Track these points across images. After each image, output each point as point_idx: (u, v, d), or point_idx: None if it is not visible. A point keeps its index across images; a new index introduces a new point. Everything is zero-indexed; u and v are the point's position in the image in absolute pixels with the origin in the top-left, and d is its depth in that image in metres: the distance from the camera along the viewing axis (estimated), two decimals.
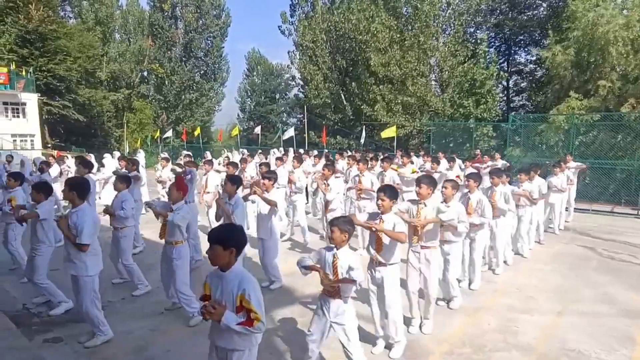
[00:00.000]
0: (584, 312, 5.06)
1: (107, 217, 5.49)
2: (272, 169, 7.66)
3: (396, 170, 8.62)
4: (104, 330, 4.07)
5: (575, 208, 10.50)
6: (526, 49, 28.33)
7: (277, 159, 10.39)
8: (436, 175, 7.74)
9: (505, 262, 6.61)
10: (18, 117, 27.94)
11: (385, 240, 3.72)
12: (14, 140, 27.32)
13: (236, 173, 7.32)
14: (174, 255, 4.49)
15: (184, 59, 40.48)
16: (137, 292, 5.47)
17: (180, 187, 4.73)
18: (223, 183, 5.81)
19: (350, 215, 3.87)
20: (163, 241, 4.69)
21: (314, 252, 3.43)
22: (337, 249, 3.27)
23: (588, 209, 11.59)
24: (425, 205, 4.26)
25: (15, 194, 5.70)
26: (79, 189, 3.92)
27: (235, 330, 2.38)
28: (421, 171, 9.19)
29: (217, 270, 2.55)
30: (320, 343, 3.44)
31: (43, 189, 4.85)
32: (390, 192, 3.83)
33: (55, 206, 8.81)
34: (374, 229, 3.70)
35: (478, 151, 14.42)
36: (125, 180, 5.66)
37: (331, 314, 3.29)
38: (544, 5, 25.52)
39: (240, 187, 5.61)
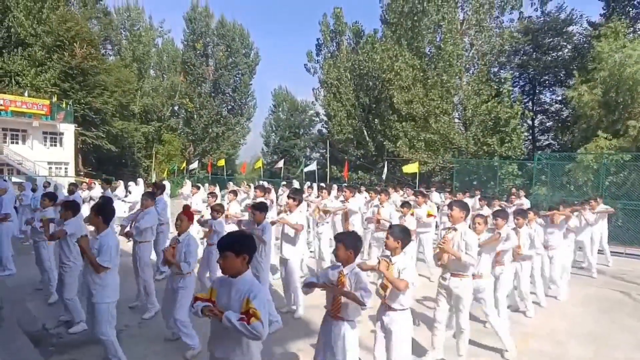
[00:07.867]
0: (617, 358, 4.74)
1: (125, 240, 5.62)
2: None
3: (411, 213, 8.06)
4: (120, 358, 3.98)
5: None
6: (551, 89, 28.23)
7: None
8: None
9: (538, 303, 6.31)
10: (55, 145, 29.46)
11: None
12: (50, 168, 28.62)
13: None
14: (180, 284, 4.43)
15: (212, 94, 42.20)
16: (147, 315, 5.46)
17: (191, 216, 4.66)
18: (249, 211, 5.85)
19: (361, 263, 3.64)
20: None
21: (321, 272, 3.31)
22: (342, 267, 3.12)
23: (622, 252, 11.04)
24: (456, 230, 4.17)
25: (46, 213, 5.92)
26: (104, 213, 4.05)
27: (236, 330, 2.28)
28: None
29: (227, 277, 2.50)
30: None
31: (71, 207, 5.09)
32: (399, 232, 3.46)
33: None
34: (379, 270, 3.44)
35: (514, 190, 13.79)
36: (151, 197, 5.94)
37: (333, 336, 3.11)
38: (569, 47, 25.61)
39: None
